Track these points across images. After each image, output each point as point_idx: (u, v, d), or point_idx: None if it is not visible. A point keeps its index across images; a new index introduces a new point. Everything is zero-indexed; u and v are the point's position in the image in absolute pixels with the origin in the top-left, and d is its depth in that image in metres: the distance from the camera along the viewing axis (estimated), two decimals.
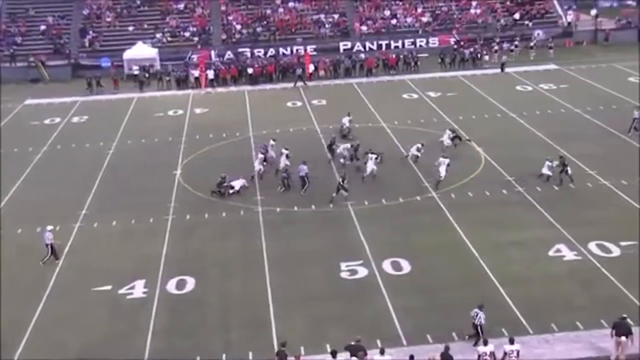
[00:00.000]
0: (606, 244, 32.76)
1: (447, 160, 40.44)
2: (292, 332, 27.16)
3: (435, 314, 28.08)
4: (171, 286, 30.99)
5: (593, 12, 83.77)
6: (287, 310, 28.88)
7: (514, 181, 40.23)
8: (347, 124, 49.74)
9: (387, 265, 31.83)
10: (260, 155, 43.13)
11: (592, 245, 32.64)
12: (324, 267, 32.04)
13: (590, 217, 35.71)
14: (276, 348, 25.73)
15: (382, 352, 24.17)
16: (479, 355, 23.84)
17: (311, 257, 33.08)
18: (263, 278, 31.38)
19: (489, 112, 53.90)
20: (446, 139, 45.46)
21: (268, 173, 42.42)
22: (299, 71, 66.37)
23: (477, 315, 25.98)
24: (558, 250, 32.50)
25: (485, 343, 24.39)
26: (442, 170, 40.05)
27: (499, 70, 67.21)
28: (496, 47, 72.75)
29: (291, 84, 65.38)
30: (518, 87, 61.67)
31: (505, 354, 23.81)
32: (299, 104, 59.47)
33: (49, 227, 34.27)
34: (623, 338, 24.59)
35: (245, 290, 30.62)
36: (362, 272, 31.48)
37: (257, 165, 42.61)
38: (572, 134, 47.17)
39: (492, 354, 23.83)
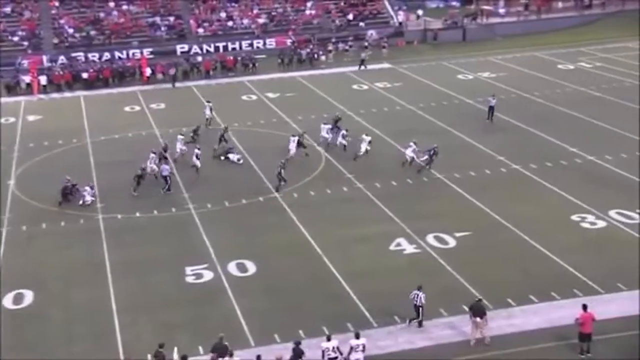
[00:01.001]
0: (443, 235, 34.04)
1: (368, 138, 43.10)
2: (138, 340, 26.73)
3: (282, 313, 28.28)
4: (7, 301, 29.69)
5: (419, 12, 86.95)
6: (132, 318, 28.33)
7: (354, 178, 41.10)
8: (209, 113, 51.37)
9: (232, 268, 31.80)
10: (152, 155, 41.99)
11: (430, 238, 33.81)
12: (169, 273, 31.64)
13: (427, 211, 36.99)
14: (122, 357, 25.34)
15: (230, 354, 24.11)
16: (323, 351, 24.14)
17: (155, 263, 32.60)
18: (106, 287, 30.64)
19: (328, 112, 54.70)
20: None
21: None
22: (172, 71, 65.68)
23: (417, 297, 26.63)
24: (398, 244, 33.46)
25: (420, 324, 26.23)
26: (363, 147, 43.11)
27: (335, 69, 68.74)
28: (331, 47, 74.09)
29: (128, 89, 64.25)
30: (354, 86, 63.03)
31: (351, 348, 24.18)
32: (137, 108, 58.41)
33: None
34: (478, 319, 25.77)
35: (88, 300, 29.77)
36: (208, 275, 31.31)
37: (150, 165, 41.41)
38: (408, 130, 48.49)
39: (336, 348, 24.15)
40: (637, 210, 35.61)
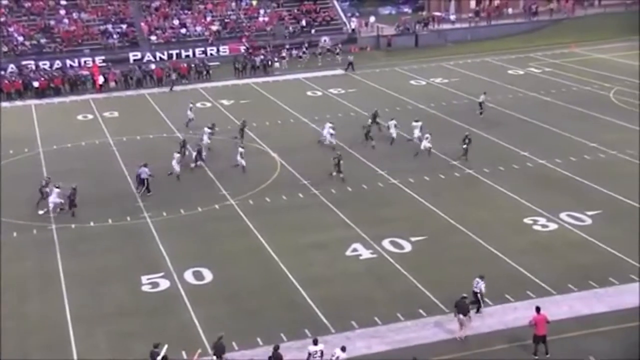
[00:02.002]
0: (399, 240, 34.31)
1: (393, 122, 46.89)
2: (94, 350, 26.58)
3: (239, 320, 28.28)
4: None
5: (372, 19, 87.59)
6: (87, 328, 28.11)
7: (309, 184, 41.24)
8: (191, 115, 52.74)
9: (189, 276, 31.72)
10: (177, 155, 42.59)
11: (386, 243, 34.06)
12: (125, 282, 31.46)
13: (382, 216, 37.25)
14: None
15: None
16: (309, 354, 24.19)
17: (110, 272, 32.38)
18: (61, 298, 30.36)
19: (282, 118, 54.92)
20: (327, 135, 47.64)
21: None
22: (174, 75, 66.17)
23: (477, 284, 27.39)
24: (355, 250, 33.65)
25: (478, 310, 27.44)
26: (421, 139, 45.36)
27: (289, 76, 68.99)
28: (284, 54, 74.24)
29: (81, 97, 63.74)
30: (308, 93, 63.24)
31: (309, 354, 24.26)
32: (90, 116, 57.92)
33: None
34: (461, 316, 26.19)
35: (42, 312, 29.50)
36: (164, 284, 31.19)
37: (175, 166, 42.36)
38: (363, 137, 48.80)
39: (320, 352, 24.27)
40: (587, 213, 36.33)
